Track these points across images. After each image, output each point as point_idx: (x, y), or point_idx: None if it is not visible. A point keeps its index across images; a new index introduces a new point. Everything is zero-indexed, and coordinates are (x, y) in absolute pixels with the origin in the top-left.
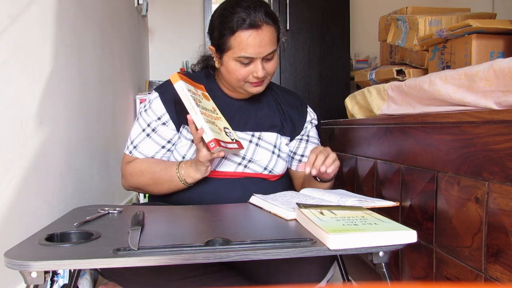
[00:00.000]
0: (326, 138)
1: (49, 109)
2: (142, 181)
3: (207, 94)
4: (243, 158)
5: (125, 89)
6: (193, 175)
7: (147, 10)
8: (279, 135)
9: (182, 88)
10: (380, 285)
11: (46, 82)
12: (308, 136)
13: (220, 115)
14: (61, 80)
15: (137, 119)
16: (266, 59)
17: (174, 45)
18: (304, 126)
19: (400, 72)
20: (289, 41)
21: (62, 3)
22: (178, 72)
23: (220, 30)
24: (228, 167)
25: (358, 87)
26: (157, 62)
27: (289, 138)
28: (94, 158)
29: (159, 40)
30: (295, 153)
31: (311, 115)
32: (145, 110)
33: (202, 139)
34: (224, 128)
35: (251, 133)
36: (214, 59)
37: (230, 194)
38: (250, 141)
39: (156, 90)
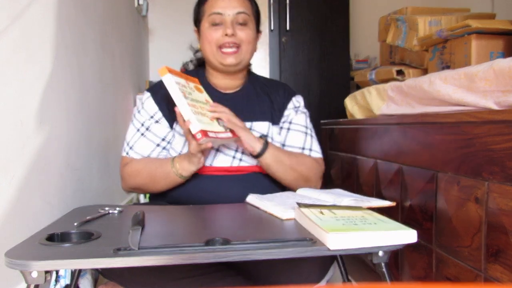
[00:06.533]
0: (326, 138)
1: (49, 109)
2: (139, 180)
3: (200, 87)
4: (236, 150)
5: (125, 89)
6: (187, 167)
7: (147, 10)
8: (270, 124)
9: (170, 81)
10: (380, 285)
11: (46, 82)
12: (290, 123)
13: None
14: (61, 80)
15: (132, 121)
16: (238, 23)
17: (174, 45)
18: (286, 114)
19: (400, 72)
20: (289, 41)
21: (62, 3)
22: (166, 66)
23: (197, 5)
24: (223, 161)
25: (358, 87)
26: (157, 62)
27: (280, 127)
28: (94, 158)
29: (159, 40)
30: (272, 139)
31: (294, 103)
32: (139, 111)
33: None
34: (218, 118)
35: None
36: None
37: (229, 191)
38: None
39: (148, 90)
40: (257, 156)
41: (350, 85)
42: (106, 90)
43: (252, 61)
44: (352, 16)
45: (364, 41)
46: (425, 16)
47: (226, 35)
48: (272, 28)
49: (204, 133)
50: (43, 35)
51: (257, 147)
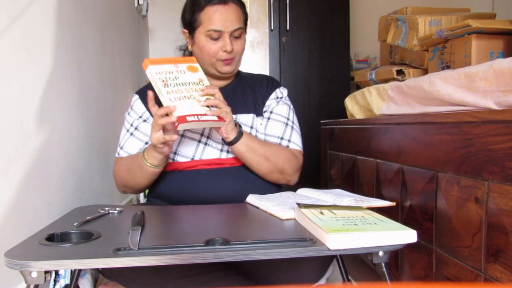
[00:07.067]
0: (326, 138)
1: (49, 109)
2: (122, 176)
3: (195, 65)
4: (222, 143)
5: (125, 89)
6: (155, 155)
7: (147, 10)
8: (254, 115)
9: (150, 74)
10: (380, 285)
11: (46, 82)
12: (271, 112)
13: (207, 83)
14: (61, 80)
15: (123, 124)
16: (234, 36)
17: (174, 45)
18: (268, 104)
19: (400, 72)
20: (289, 41)
21: (62, 3)
22: (148, 58)
23: (191, 8)
24: (212, 154)
25: (358, 87)
26: None
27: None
28: (94, 158)
29: (159, 40)
30: (257, 131)
31: (277, 94)
32: (128, 113)
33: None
34: (207, 99)
35: None
36: (187, 44)
37: (222, 185)
38: None
39: (136, 93)
40: (230, 144)
41: (350, 85)
42: (106, 90)
43: (252, 61)
44: (352, 16)
45: (364, 41)
46: (425, 16)
47: (226, 51)
48: (272, 28)
49: (182, 119)
50: (43, 35)
51: (232, 135)
